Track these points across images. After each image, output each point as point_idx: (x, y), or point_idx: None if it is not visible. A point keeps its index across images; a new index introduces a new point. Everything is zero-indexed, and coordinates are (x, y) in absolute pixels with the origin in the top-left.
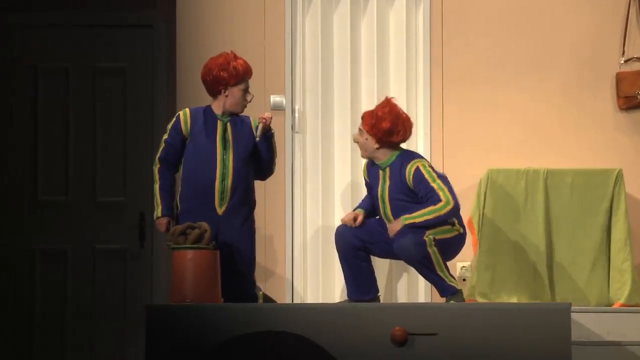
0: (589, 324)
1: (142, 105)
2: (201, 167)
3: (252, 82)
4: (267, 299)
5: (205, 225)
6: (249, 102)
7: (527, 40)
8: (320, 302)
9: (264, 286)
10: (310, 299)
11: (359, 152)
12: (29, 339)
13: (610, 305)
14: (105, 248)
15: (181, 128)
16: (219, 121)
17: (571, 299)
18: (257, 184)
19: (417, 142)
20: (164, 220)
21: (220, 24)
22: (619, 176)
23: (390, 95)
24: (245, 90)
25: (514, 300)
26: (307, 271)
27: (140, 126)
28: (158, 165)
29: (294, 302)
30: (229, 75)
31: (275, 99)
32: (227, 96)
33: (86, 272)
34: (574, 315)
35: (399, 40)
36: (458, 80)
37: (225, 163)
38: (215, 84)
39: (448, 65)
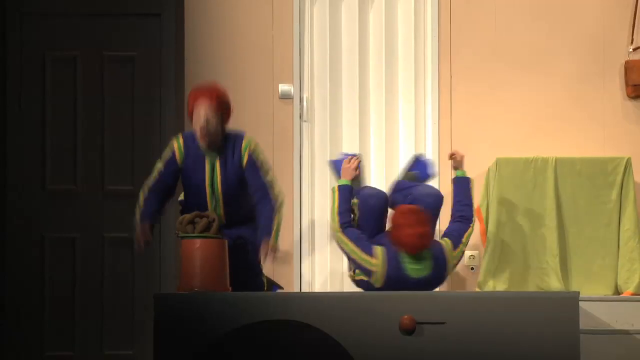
0: (597, 312)
1: (151, 93)
2: (193, 198)
3: (261, 71)
4: (270, 282)
5: (213, 214)
6: (202, 128)
7: (536, 29)
8: (328, 290)
9: (272, 275)
10: (318, 288)
11: (366, 141)
12: (39, 327)
13: (619, 294)
14: (114, 236)
15: (176, 160)
16: (206, 158)
17: (580, 288)
18: None
19: (426, 131)
20: (147, 225)
21: (228, 13)
22: (628, 164)
23: (399, 83)
24: (199, 115)
25: (523, 288)
26: (315, 260)
27: (149, 114)
28: (146, 193)
29: (302, 290)
30: (188, 98)
31: (283, 87)
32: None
33: (95, 260)
34: (582, 304)
35: (407, 29)
36: (466, 69)
37: (215, 196)
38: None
39: (456, 53)
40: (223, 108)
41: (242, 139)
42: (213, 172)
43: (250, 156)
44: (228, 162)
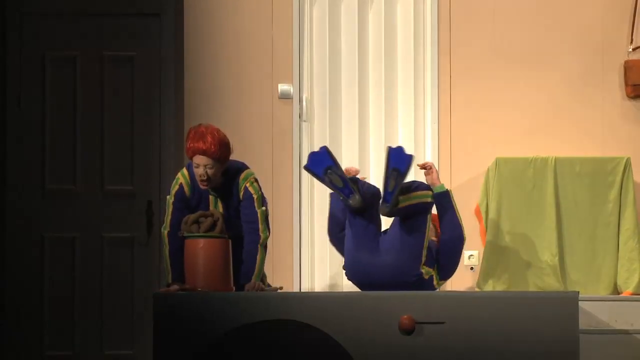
0: (597, 312)
1: (150, 93)
2: None
3: (260, 70)
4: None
5: (217, 213)
6: (201, 178)
7: (535, 29)
8: (328, 290)
9: (272, 275)
10: (317, 288)
11: (365, 140)
12: (39, 327)
13: (618, 293)
14: (113, 236)
15: (185, 194)
16: (210, 195)
17: (579, 288)
18: (265, 172)
19: (425, 131)
20: (176, 287)
21: (228, 13)
22: (627, 164)
23: (398, 83)
24: (197, 166)
25: (522, 288)
26: (314, 260)
27: (148, 114)
28: (168, 229)
29: (302, 290)
30: (186, 141)
31: (282, 87)
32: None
33: (94, 260)
34: (582, 304)
35: (407, 29)
36: (466, 69)
37: None
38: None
39: (456, 53)
40: (222, 153)
41: (240, 174)
42: (216, 207)
43: (246, 190)
44: (229, 202)
